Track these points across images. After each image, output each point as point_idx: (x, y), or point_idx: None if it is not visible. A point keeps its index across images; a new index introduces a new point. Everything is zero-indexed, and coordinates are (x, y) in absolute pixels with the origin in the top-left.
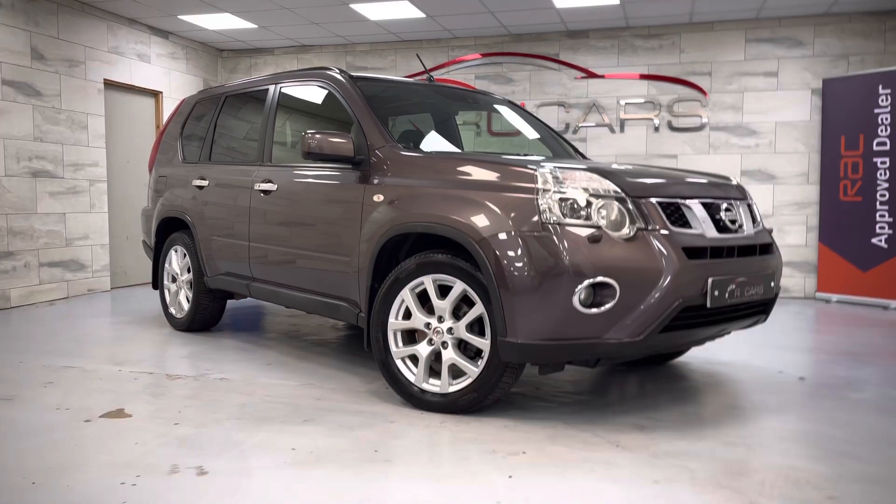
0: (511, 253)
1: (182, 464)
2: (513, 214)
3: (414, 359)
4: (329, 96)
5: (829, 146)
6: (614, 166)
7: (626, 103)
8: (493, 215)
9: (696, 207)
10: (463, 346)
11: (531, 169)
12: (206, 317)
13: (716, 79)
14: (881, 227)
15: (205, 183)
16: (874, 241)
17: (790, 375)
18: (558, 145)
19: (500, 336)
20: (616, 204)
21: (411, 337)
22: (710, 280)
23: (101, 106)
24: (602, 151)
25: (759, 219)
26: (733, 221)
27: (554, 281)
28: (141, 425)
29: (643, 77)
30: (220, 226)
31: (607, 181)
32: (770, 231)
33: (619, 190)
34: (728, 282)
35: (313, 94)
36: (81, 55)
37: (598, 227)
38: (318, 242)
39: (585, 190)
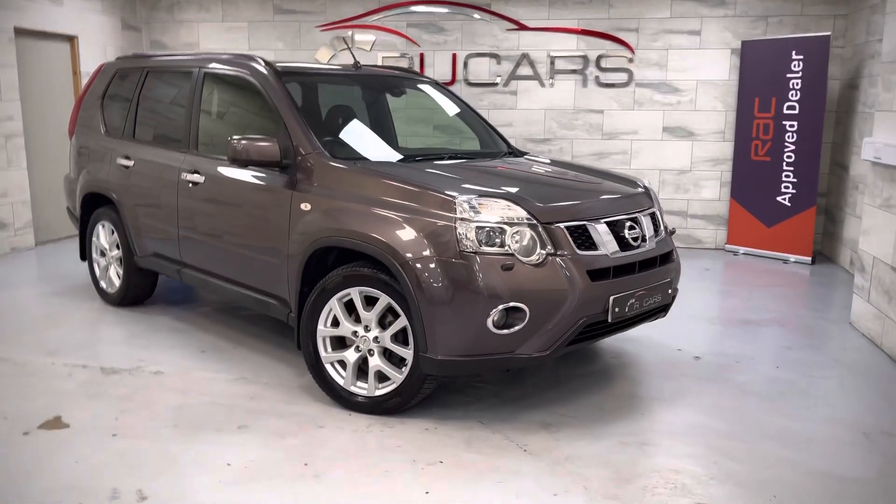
0: (431, 277)
1: (122, 487)
2: (433, 240)
3: (343, 363)
4: (255, 89)
5: (743, 107)
6: (525, 191)
7: (555, 56)
8: (415, 239)
9: (601, 228)
10: (388, 353)
11: (451, 197)
12: (139, 293)
13: (642, 35)
14: (786, 187)
15: (130, 164)
16: (779, 199)
17: (687, 354)
18: (481, 127)
19: (420, 351)
20: (528, 231)
21: (341, 341)
22: (611, 298)
23: (12, 56)
24: (531, 105)
25: (661, 226)
26: (636, 238)
27: (470, 305)
28: (79, 438)
29: (572, 31)
30: (147, 209)
31: (520, 209)
32: (672, 233)
33: (530, 217)
34: (628, 297)
35: (239, 83)
36: None
37: (511, 255)
38: (248, 241)
39: (500, 218)
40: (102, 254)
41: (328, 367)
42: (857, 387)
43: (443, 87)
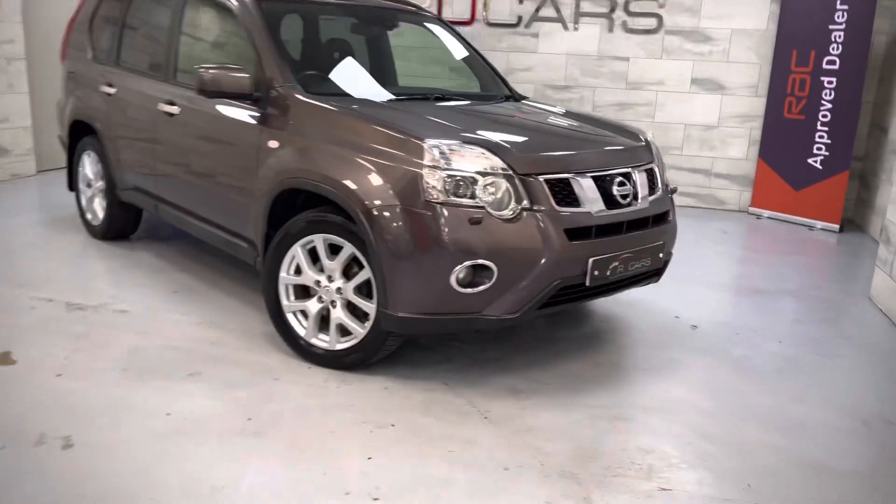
0: (393, 228)
1: (50, 433)
2: (399, 187)
3: (305, 313)
4: (235, 13)
5: (780, 60)
6: (506, 139)
7: None
8: (380, 185)
9: (586, 183)
10: (352, 306)
11: (419, 141)
12: (122, 226)
13: None
14: (818, 148)
15: (112, 91)
16: (810, 161)
17: (684, 322)
18: (483, 69)
19: (380, 307)
20: (503, 182)
21: (305, 290)
22: (590, 260)
23: None
24: (553, 49)
25: (659, 184)
26: (625, 196)
27: (433, 260)
28: (24, 375)
29: None
30: (127, 140)
31: (496, 158)
32: (673, 192)
33: (506, 167)
34: (611, 260)
35: (221, 7)
36: None
37: (482, 208)
38: (219, 178)
39: (473, 167)
40: (89, 185)
41: (290, 317)
42: (865, 369)
43: (446, 23)
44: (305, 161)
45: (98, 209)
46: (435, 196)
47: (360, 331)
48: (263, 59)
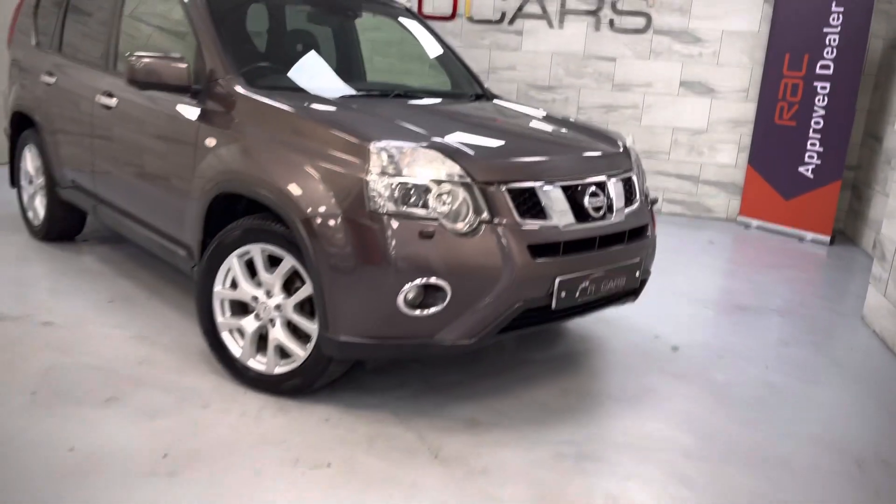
0: (334, 240)
1: None
2: (342, 195)
3: (242, 331)
4: (178, 1)
5: (772, 63)
6: (467, 142)
7: None
8: (322, 192)
9: (554, 193)
10: (294, 325)
11: (364, 142)
12: (65, 227)
13: None
14: (810, 157)
15: (52, 80)
16: (801, 169)
17: (664, 343)
18: (456, 68)
19: (320, 329)
20: (460, 191)
21: (243, 306)
22: (557, 280)
23: None
24: (537, 48)
25: (637, 195)
26: (598, 208)
27: (378, 278)
28: None
29: None
30: (66, 134)
31: (453, 163)
32: (653, 203)
33: (464, 174)
34: (580, 280)
35: None
36: None
37: (435, 220)
38: (156, 178)
39: (426, 174)
40: (30, 181)
41: (225, 335)
42: (858, 399)
43: (415, 15)
44: (242, 162)
45: (39, 208)
46: (381, 205)
47: (300, 354)
48: (205, 48)
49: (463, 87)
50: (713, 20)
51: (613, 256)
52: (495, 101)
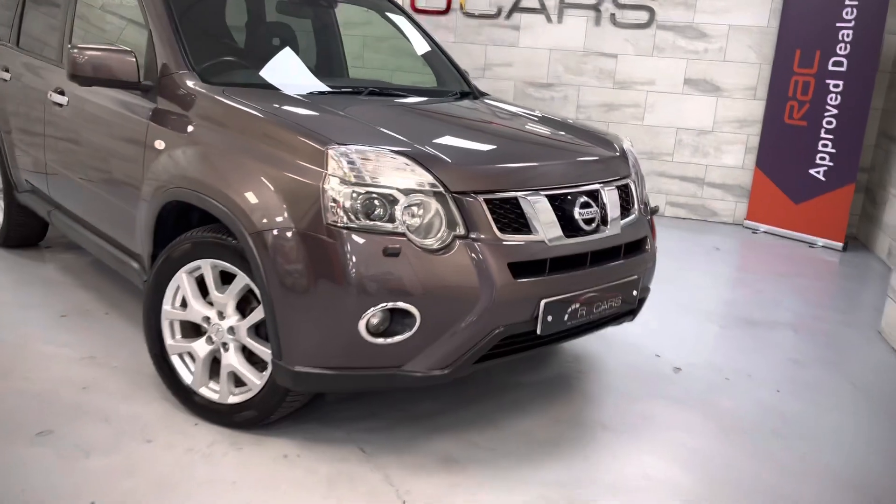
0: (286, 258)
1: None
2: (296, 205)
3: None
4: None
5: (781, 60)
6: (442, 146)
7: None
8: (275, 202)
9: (539, 203)
10: (250, 350)
11: (321, 146)
12: (25, 233)
13: None
14: (821, 158)
15: (7, 76)
16: (812, 171)
17: (666, 363)
18: (442, 64)
19: (273, 357)
20: (432, 202)
21: (196, 328)
22: (543, 303)
23: None
24: (535, 43)
25: (635, 204)
26: (590, 220)
27: (337, 301)
28: None
29: None
30: (22, 134)
31: (422, 170)
32: (654, 212)
33: (436, 183)
34: (570, 301)
35: None
36: None
37: (402, 235)
38: (107, 183)
39: (392, 182)
40: None
41: (175, 359)
42: (877, 427)
43: (398, 6)
44: (191, 167)
45: None
46: (341, 218)
47: (255, 382)
48: (157, 39)
49: (448, 84)
50: (719, 14)
51: (608, 274)
52: (482, 99)
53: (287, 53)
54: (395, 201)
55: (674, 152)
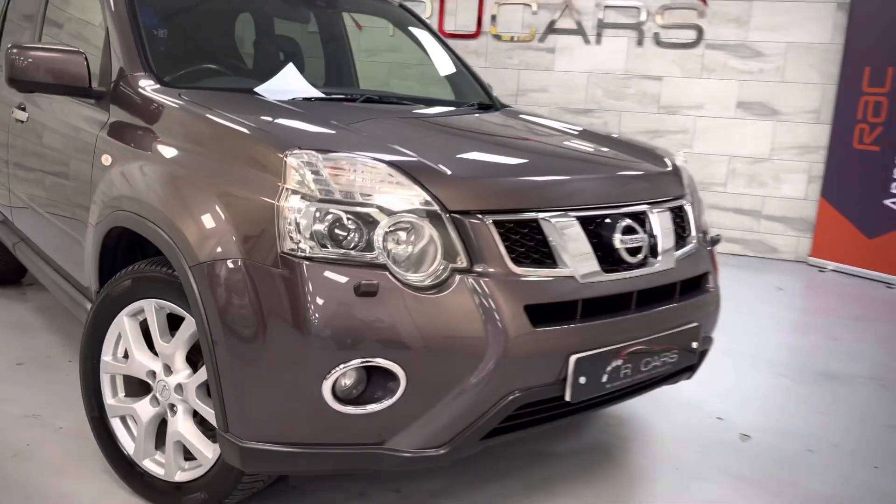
0: (230, 297)
1: None
2: (244, 229)
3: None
4: None
5: (848, 79)
6: (441, 155)
7: (606, 6)
8: (221, 225)
9: (567, 227)
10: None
11: (278, 150)
12: (3, 269)
13: None
14: None
15: None
16: (887, 202)
17: (730, 428)
18: (460, 75)
19: (219, 428)
20: (424, 226)
21: (145, 385)
22: (573, 360)
23: None
24: (572, 67)
25: (692, 232)
26: (635, 251)
27: (292, 356)
28: None
29: None
30: None
31: (412, 183)
32: (715, 242)
33: (430, 200)
34: (609, 357)
35: None
36: None
37: (381, 267)
38: (59, 207)
39: (370, 197)
40: None
41: (115, 423)
42: None
43: (410, 11)
44: (132, 185)
45: None
46: (300, 245)
47: (207, 456)
48: (112, 39)
49: (465, 95)
50: (776, 31)
51: (659, 320)
52: (505, 109)
53: (272, 58)
54: (373, 223)
55: (726, 182)
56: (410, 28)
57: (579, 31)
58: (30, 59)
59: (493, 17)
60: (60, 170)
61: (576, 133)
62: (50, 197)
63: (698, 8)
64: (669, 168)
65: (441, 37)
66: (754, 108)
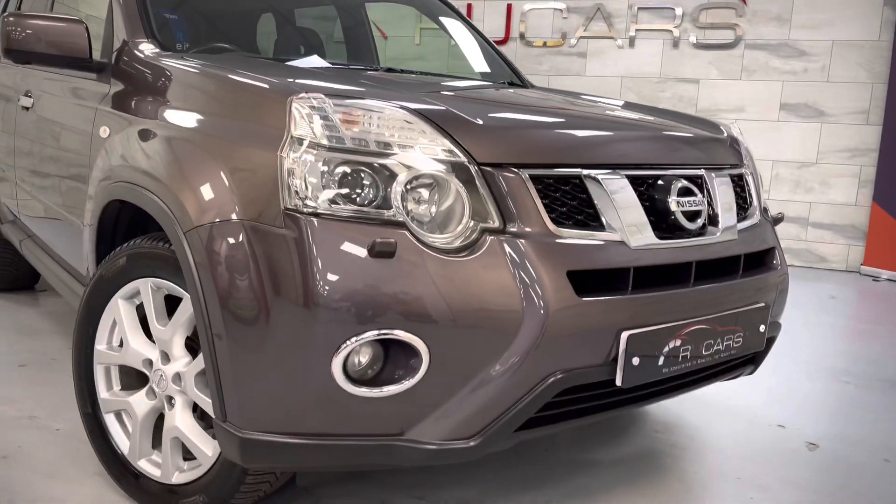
0: (226, 261)
1: None
2: (244, 185)
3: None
4: None
5: None
6: (467, 108)
7: (639, 8)
8: (219, 186)
9: (616, 186)
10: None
11: (280, 95)
12: (15, 273)
13: None
14: None
15: None
16: None
17: (795, 436)
18: (488, 55)
19: (216, 417)
20: (450, 180)
21: (142, 376)
22: (624, 336)
23: None
24: (604, 71)
25: (753, 203)
26: (694, 216)
27: (297, 328)
28: None
29: None
30: (1, 153)
31: (435, 132)
32: (778, 220)
33: (456, 150)
34: (666, 336)
35: None
36: None
37: (400, 224)
38: (59, 192)
39: (387, 147)
40: None
41: (109, 419)
42: None
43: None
44: (127, 152)
45: None
46: (306, 200)
47: (205, 454)
48: (114, 6)
49: (494, 74)
50: (820, 29)
51: (722, 297)
52: (536, 88)
53: (289, 35)
54: (391, 177)
55: (770, 188)
56: (441, 18)
57: (611, 34)
58: (27, 29)
59: (523, 21)
60: (61, 149)
61: (621, 104)
62: (52, 183)
63: (737, 7)
64: (726, 136)
65: (469, 21)
66: (799, 109)
